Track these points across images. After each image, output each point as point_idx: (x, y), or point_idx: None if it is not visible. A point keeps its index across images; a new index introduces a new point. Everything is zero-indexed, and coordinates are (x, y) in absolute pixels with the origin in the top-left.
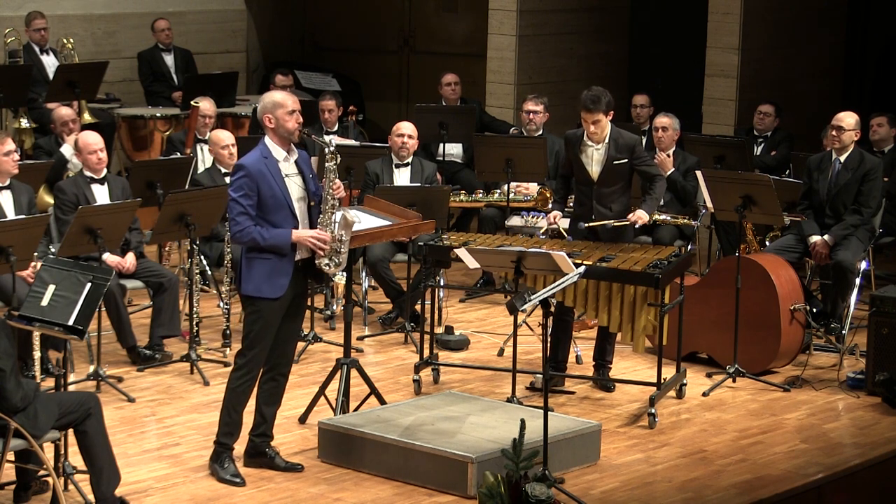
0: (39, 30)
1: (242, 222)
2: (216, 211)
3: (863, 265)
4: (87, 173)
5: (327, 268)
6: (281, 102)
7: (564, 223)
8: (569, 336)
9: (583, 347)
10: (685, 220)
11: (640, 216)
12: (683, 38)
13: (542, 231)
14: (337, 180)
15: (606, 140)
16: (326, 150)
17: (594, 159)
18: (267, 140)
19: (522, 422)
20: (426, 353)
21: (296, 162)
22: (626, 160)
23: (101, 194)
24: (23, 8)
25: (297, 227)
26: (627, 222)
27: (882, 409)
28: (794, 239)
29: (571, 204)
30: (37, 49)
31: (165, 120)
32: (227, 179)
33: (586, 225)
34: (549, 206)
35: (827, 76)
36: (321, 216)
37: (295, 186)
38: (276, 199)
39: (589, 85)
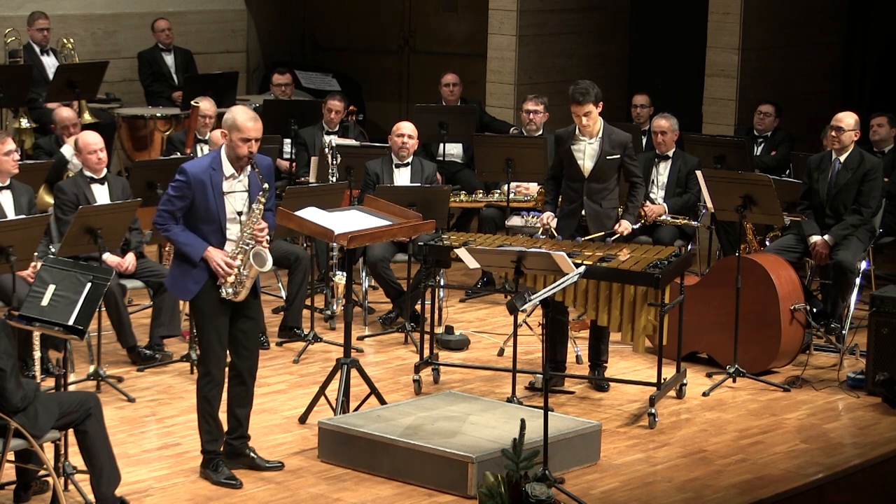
0: (42, 30)
1: (166, 219)
2: None
3: (863, 265)
4: (87, 173)
5: (226, 294)
6: (241, 127)
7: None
8: (565, 336)
9: (583, 348)
10: (685, 220)
11: (627, 227)
12: (683, 38)
13: (539, 232)
14: (262, 222)
15: (600, 135)
16: (259, 193)
17: (587, 154)
18: (223, 151)
19: (522, 422)
20: (426, 353)
21: (248, 177)
22: (619, 156)
23: (101, 194)
24: (23, 8)
25: (223, 242)
26: (616, 234)
27: (882, 409)
28: (794, 239)
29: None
30: (37, 49)
31: (165, 120)
32: None
33: (583, 239)
34: (542, 206)
35: (827, 76)
36: (235, 247)
37: (231, 205)
38: (210, 213)
39: None
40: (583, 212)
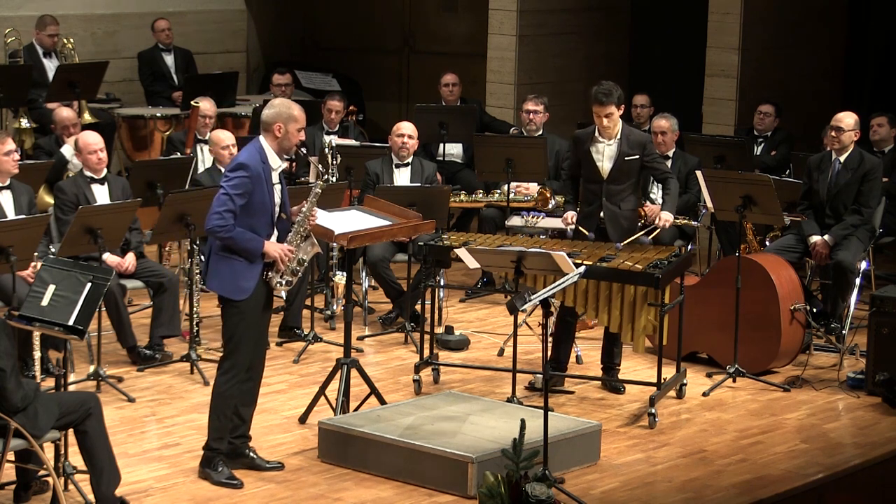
0: (53, 35)
1: (229, 220)
2: None
3: (863, 265)
4: (88, 173)
5: (278, 285)
6: (297, 117)
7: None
8: (571, 337)
9: (583, 347)
10: (685, 220)
11: (667, 219)
12: (684, 38)
13: (558, 231)
14: (315, 208)
15: (618, 136)
16: (321, 178)
17: (605, 155)
18: (265, 145)
19: (522, 422)
20: (426, 353)
21: (280, 171)
22: (638, 156)
23: (101, 194)
24: (23, 8)
25: (271, 235)
26: (658, 229)
27: (882, 409)
28: (794, 239)
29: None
30: (40, 52)
31: (165, 120)
32: None
33: (622, 244)
34: (562, 207)
35: (827, 76)
36: (291, 234)
37: (277, 196)
38: (265, 205)
39: (589, 85)
40: (601, 213)
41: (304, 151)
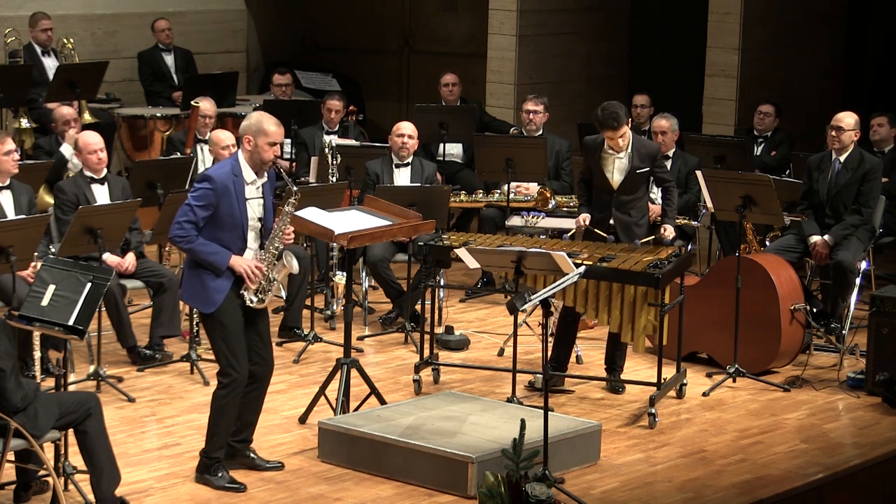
0: (46, 30)
1: (189, 231)
2: None
3: (863, 265)
4: (88, 173)
5: (250, 302)
6: (267, 131)
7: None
8: (572, 337)
9: (583, 347)
10: (685, 220)
11: (672, 231)
12: (683, 38)
13: (570, 233)
14: (289, 226)
15: (629, 149)
16: (292, 196)
17: (616, 167)
18: (241, 158)
19: (522, 422)
20: (426, 353)
21: (261, 185)
22: (648, 168)
23: (101, 194)
24: (23, 8)
25: (243, 250)
26: (665, 238)
27: (882, 409)
28: (794, 239)
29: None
30: (38, 50)
31: (165, 120)
32: None
33: (640, 241)
34: (578, 208)
35: (827, 76)
36: (263, 251)
37: (252, 211)
38: (234, 219)
39: (589, 85)
40: (611, 220)
41: (281, 170)
